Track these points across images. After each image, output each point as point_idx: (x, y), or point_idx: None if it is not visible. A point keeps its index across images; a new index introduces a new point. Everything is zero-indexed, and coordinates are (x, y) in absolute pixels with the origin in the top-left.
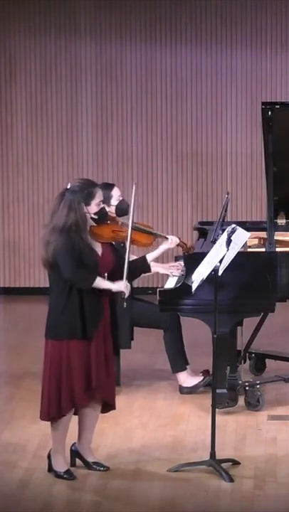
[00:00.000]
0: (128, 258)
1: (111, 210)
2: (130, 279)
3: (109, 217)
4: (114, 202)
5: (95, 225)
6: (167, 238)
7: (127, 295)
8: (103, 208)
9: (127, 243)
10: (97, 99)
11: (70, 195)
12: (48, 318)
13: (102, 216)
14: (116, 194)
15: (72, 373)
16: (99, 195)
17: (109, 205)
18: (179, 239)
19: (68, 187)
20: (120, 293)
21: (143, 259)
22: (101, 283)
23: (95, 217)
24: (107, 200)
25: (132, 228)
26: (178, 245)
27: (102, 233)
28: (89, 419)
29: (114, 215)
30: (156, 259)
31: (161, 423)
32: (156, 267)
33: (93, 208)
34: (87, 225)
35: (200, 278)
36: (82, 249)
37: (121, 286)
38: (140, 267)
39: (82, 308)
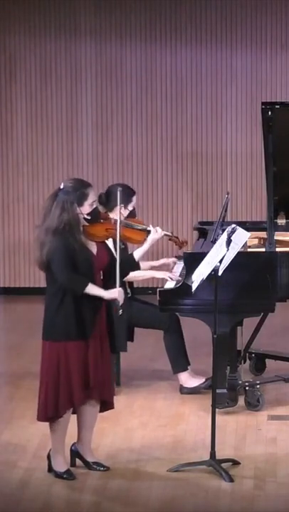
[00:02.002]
0: (119, 262)
1: (123, 213)
2: (119, 279)
3: (102, 216)
4: (130, 207)
5: (87, 224)
6: (149, 231)
7: (121, 302)
8: (96, 208)
9: (117, 240)
10: (97, 99)
11: (63, 196)
12: (44, 320)
13: (95, 216)
14: (134, 202)
15: (71, 374)
16: (92, 196)
17: (126, 207)
18: (171, 233)
19: (61, 187)
20: (114, 301)
21: (129, 256)
22: (93, 290)
23: (88, 217)
24: (126, 203)
25: (123, 226)
26: (170, 240)
27: (95, 232)
28: (88, 418)
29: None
30: (145, 255)
31: (161, 423)
32: (152, 272)
33: (86, 208)
34: (80, 225)
35: (200, 278)
36: (76, 250)
37: (114, 293)
38: (127, 264)
39: (77, 309)
